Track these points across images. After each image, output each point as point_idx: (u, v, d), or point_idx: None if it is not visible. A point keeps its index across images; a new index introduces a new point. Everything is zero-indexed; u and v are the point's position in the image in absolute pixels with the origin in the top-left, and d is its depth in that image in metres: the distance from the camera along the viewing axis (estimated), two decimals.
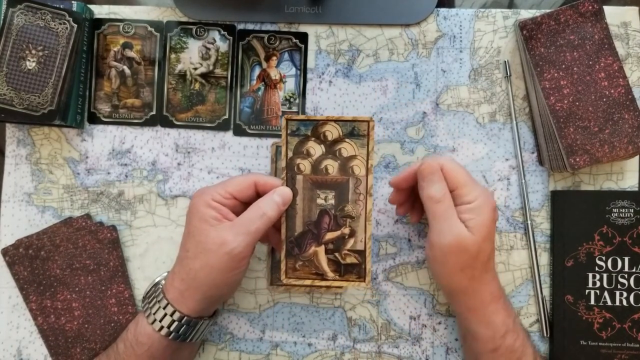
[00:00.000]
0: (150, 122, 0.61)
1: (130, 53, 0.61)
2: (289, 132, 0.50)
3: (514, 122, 0.60)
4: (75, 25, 0.57)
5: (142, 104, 0.61)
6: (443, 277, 0.52)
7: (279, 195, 0.49)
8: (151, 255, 0.60)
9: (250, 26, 0.62)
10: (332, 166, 0.50)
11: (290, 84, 0.62)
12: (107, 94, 0.61)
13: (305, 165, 0.50)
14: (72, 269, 0.58)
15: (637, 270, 0.57)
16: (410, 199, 0.57)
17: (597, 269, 0.58)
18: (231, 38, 0.62)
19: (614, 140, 0.56)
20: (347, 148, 0.50)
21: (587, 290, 0.58)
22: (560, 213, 0.59)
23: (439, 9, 0.62)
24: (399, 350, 0.59)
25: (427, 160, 0.50)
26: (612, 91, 0.56)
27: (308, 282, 0.51)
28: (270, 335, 0.60)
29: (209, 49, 0.61)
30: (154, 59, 0.61)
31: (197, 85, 0.61)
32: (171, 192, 0.61)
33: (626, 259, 0.57)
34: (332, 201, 0.50)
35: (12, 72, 0.55)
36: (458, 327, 0.58)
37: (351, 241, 0.51)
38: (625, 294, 0.57)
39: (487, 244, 0.49)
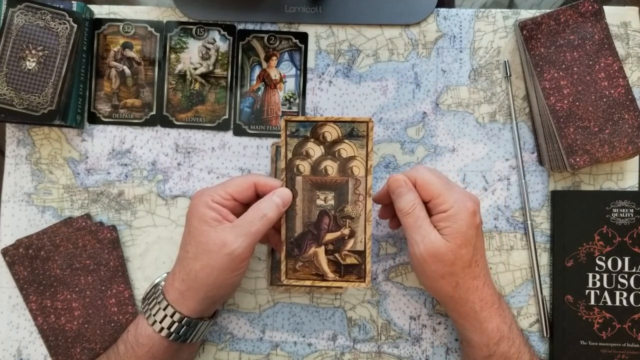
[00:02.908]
0: (150, 122, 0.61)
1: (130, 53, 0.61)
2: (288, 133, 0.50)
3: (514, 122, 0.60)
4: (75, 25, 0.57)
5: (142, 104, 0.61)
6: (426, 286, 0.53)
7: (278, 196, 0.49)
8: (151, 255, 0.60)
9: (250, 26, 0.62)
10: (331, 167, 0.50)
11: (290, 84, 0.62)
12: (107, 94, 0.61)
13: (304, 166, 0.50)
14: (72, 269, 0.58)
15: (637, 271, 0.57)
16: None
17: (597, 269, 0.58)
18: (231, 38, 0.62)
19: (614, 140, 0.56)
20: (347, 149, 0.50)
21: (587, 290, 0.58)
22: (560, 213, 0.59)
23: (439, 9, 0.62)
24: (399, 351, 0.59)
25: (394, 175, 0.51)
26: (612, 91, 0.56)
27: (308, 282, 0.51)
28: (270, 335, 0.60)
29: (209, 49, 0.61)
30: (154, 59, 0.61)
31: (197, 85, 0.61)
32: (171, 192, 0.61)
33: (626, 259, 0.57)
34: (332, 202, 0.50)
35: (12, 72, 0.55)
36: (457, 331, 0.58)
37: (351, 242, 0.51)
38: (625, 294, 0.57)
39: (465, 251, 0.49)
